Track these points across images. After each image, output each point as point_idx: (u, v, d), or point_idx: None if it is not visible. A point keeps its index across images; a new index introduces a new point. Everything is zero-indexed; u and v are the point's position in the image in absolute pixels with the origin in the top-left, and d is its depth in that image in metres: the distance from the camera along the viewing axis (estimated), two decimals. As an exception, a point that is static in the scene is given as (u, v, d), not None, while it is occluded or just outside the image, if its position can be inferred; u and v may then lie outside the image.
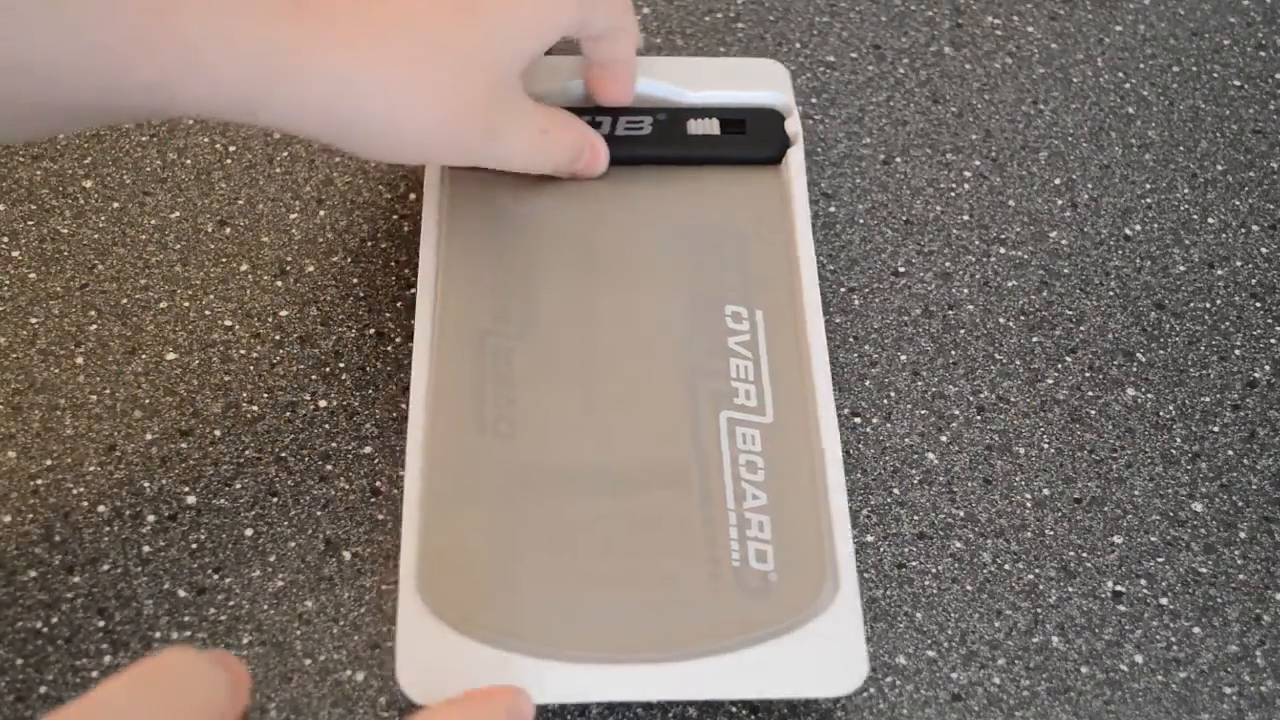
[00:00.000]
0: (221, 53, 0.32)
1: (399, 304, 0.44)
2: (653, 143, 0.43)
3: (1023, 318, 0.46)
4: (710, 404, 0.39)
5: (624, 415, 0.39)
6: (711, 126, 0.44)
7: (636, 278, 0.42)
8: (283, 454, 0.41)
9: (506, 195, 0.42)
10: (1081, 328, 0.46)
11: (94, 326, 0.43)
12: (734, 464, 0.38)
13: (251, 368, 0.42)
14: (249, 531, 0.39)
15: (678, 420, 0.39)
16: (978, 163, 0.50)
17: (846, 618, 0.36)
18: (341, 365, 0.43)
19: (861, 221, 0.47)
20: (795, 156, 0.44)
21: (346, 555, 0.39)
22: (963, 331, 0.45)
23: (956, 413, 0.43)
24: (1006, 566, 0.40)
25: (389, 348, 0.43)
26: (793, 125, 0.45)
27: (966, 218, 0.48)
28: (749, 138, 0.44)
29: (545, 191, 0.43)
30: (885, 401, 0.43)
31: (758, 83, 0.46)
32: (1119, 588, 0.40)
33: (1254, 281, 0.47)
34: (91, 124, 0.39)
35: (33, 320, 0.43)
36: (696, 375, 0.40)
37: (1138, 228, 0.48)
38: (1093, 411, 0.44)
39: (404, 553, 0.36)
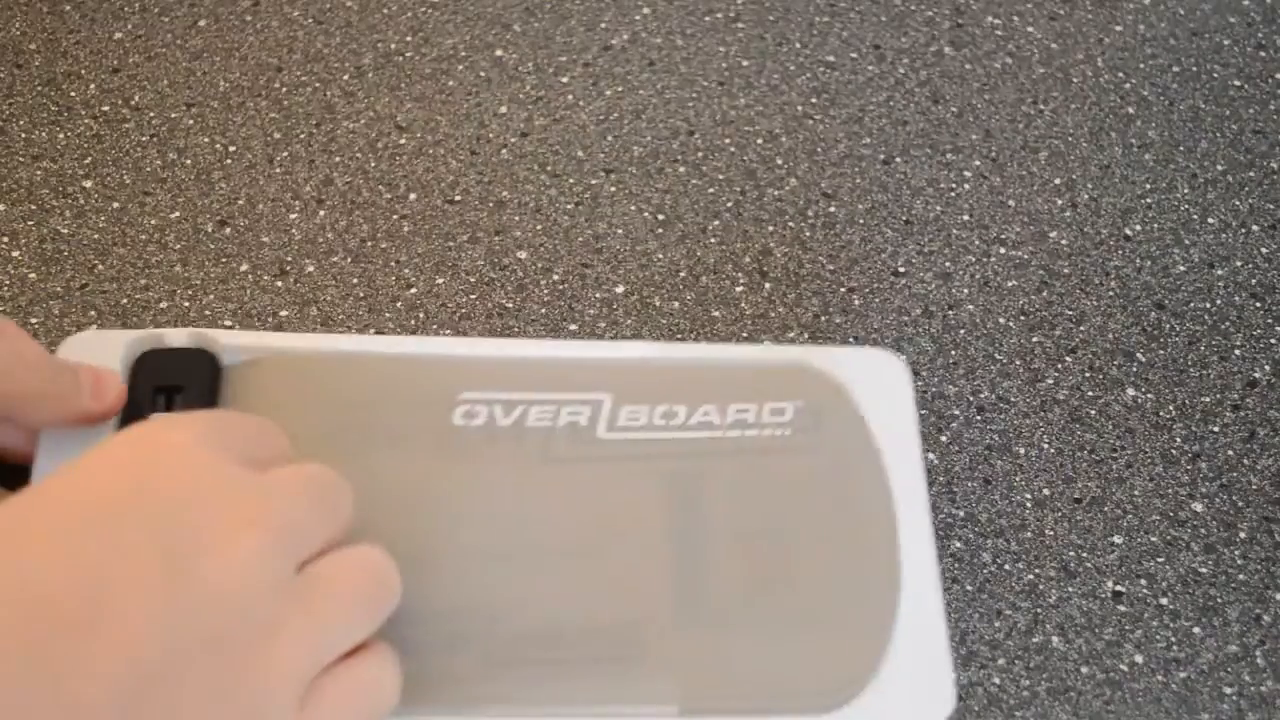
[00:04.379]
0: None
1: (398, 304, 0.44)
2: None
3: (1023, 318, 0.46)
4: None
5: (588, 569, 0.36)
6: None
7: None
8: (283, 454, 0.41)
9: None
10: (1081, 328, 0.46)
11: (94, 326, 0.43)
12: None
13: (251, 368, 0.42)
14: (249, 531, 0.39)
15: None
16: (978, 163, 0.50)
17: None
18: (341, 365, 0.43)
19: (861, 221, 0.47)
20: None
21: (346, 555, 0.39)
22: (963, 331, 0.45)
23: (956, 413, 0.43)
24: (1006, 566, 0.40)
25: (389, 348, 0.43)
26: None
27: (966, 218, 0.48)
28: None
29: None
30: (885, 401, 0.43)
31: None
32: (1119, 588, 0.40)
33: (1254, 281, 0.47)
34: None
35: (33, 320, 0.43)
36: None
37: (1138, 228, 0.48)
38: (1093, 411, 0.44)
39: None
